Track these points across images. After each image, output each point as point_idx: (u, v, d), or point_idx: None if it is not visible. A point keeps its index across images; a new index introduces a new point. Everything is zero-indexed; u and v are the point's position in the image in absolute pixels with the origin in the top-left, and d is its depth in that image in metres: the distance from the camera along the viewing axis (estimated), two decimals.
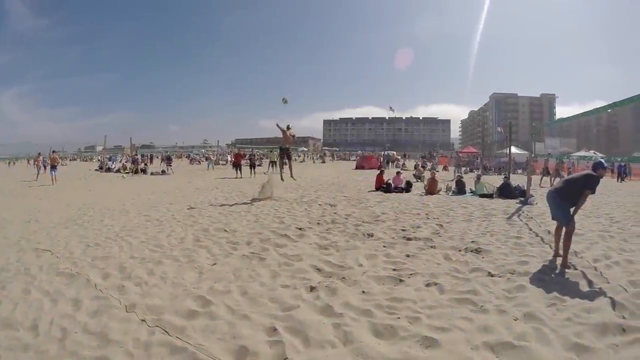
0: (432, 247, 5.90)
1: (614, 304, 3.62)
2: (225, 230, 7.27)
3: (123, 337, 3.21)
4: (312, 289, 4.20)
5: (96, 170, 31.97)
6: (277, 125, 11.75)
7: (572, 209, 5.04)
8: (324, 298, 3.93)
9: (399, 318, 3.44)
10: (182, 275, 4.78)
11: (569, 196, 5.04)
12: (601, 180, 5.08)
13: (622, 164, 24.25)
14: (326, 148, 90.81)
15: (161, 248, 6.11)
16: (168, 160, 30.83)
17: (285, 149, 12.17)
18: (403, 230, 7.10)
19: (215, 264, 5.25)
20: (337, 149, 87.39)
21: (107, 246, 6.35)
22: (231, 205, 10.50)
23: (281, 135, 12.06)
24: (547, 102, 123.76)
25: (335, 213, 9.00)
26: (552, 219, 5.43)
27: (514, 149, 28.09)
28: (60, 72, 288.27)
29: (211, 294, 4.12)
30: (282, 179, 12.31)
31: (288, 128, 11.88)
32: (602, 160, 5.21)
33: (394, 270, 4.80)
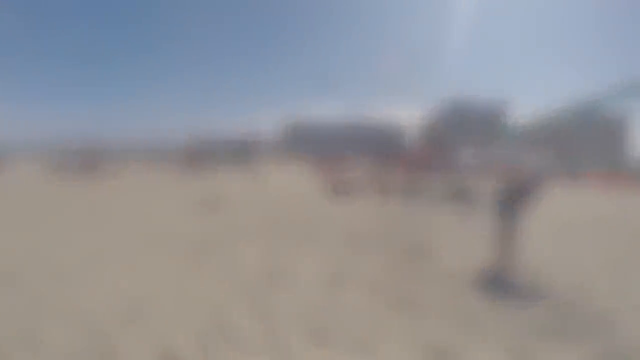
0: (372, 252, 5.88)
1: (552, 308, 3.74)
2: None
3: None
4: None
5: None
6: None
7: (515, 216, 5.10)
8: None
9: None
10: None
11: (513, 203, 5.10)
12: (550, 187, 5.17)
13: (573, 171, 25.67)
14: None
15: None
16: None
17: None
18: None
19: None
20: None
21: None
22: None
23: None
24: (502, 109, 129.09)
25: None
26: (495, 224, 5.49)
27: (468, 155, 29.01)
28: None
29: None
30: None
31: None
32: (549, 168, 5.30)
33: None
